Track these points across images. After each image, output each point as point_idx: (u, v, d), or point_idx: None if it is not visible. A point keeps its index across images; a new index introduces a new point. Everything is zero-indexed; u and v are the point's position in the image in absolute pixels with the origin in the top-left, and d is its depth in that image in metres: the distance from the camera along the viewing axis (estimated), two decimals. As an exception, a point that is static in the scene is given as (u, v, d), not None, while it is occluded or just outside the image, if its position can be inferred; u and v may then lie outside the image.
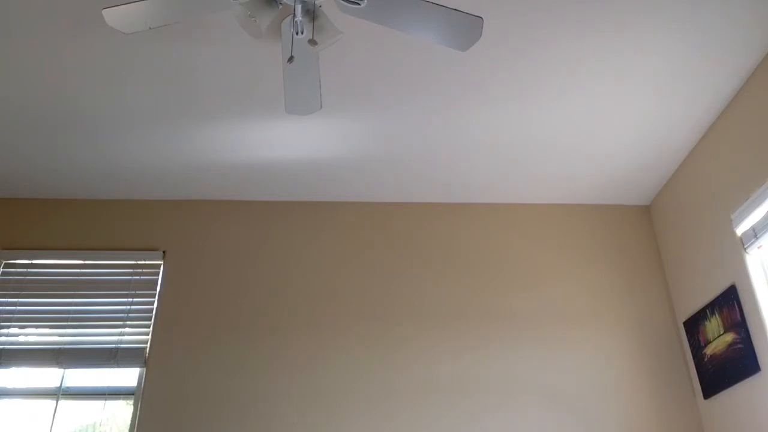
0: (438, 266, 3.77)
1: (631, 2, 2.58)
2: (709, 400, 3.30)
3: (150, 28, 2.23)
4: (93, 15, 2.58)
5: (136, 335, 3.51)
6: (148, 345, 3.48)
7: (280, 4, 2.15)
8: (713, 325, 3.23)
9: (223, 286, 3.66)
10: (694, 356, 3.41)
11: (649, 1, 2.57)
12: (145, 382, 3.37)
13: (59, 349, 3.45)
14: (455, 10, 2.15)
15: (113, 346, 3.47)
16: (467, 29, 2.21)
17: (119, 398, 3.39)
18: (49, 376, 3.42)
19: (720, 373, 3.16)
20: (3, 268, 3.66)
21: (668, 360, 3.54)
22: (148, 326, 3.53)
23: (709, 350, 3.26)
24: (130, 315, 3.56)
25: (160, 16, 2.17)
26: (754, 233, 2.93)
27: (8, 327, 3.50)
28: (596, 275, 3.78)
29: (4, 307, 3.54)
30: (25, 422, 3.31)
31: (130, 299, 3.60)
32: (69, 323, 3.52)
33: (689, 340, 3.47)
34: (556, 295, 3.70)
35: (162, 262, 3.72)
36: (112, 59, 2.82)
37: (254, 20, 2.10)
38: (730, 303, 3.09)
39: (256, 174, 3.68)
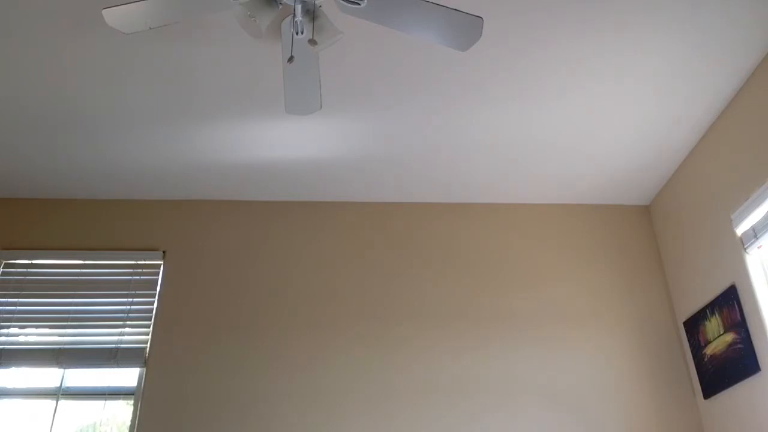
0: (438, 266, 3.77)
1: (631, 2, 2.58)
2: (709, 400, 3.30)
3: (150, 28, 2.23)
4: (93, 15, 2.58)
5: (136, 335, 3.51)
6: (148, 345, 3.48)
7: (280, 4, 2.15)
8: (713, 325, 3.23)
9: (223, 286, 3.66)
10: (694, 356, 3.41)
11: (649, 1, 2.57)
12: (145, 382, 3.37)
13: (59, 349, 3.45)
14: (455, 10, 2.15)
15: (113, 346, 3.47)
16: (467, 29, 2.21)
17: (119, 398, 3.39)
18: (49, 376, 3.42)
19: (720, 373, 3.16)
20: (3, 268, 3.66)
21: (668, 360, 3.54)
22: (148, 326, 3.53)
23: (709, 350, 3.26)
24: (130, 315, 3.56)
25: (160, 16, 2.17)
26: (754, 233, 2.93)
27: (8, 327, 3.50)
28: (596, 275, 3.78)
29: (4, 307, 3.54)
30: (25, 422, 3.31)
31: (130, 299, 3.60)
32: (69, 323, 3.52)
33: (689, 340, 3.47)
34: (556, 295, 3.70)
35: (162, 262, 3.72)
36: (112, 59, 2.82)
37: (254, 20, 2.10)
38: (730, 303, 3.09)
39: (256, 174, 3.68)
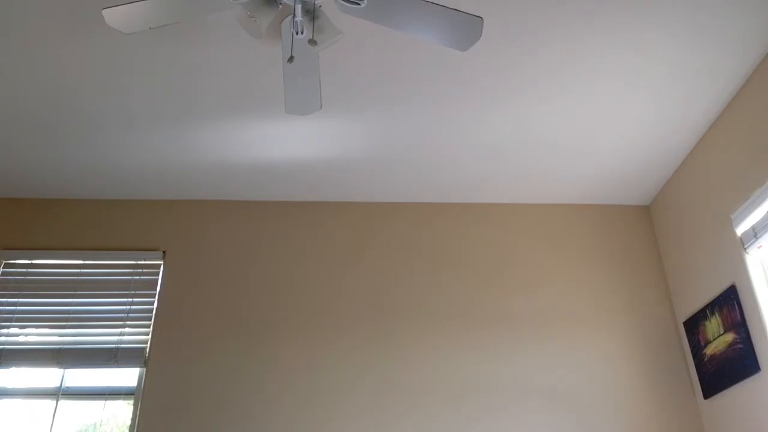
0: (438, 266, 3.77)
1: (632, 3, 2.58)
2: (709, 400, 3.30)
3: (150, 28, 2.22)
4: (93, 15, 2.58)
5: (136, 335, 3.51)
6: (148, 345, 3.48)
7: (280, 4, 2.15)
8: (713, 325, 3.23)
9: (223, 286, 3.66)
10: (694, 356, 3.41)
11: (649, 1, 2.57)
12: (145, 382, 3.37)
13: (59, 349, 3.45)
14: (455, 10, 2.15)
15: (113, 346, 3.47)
16: (467, 29, 2.21)
17: (119, 398, 3.39)
18: (49, 376, 3.42)
19: (720, 373, 3.16)
20: (3, 268, 3.66)
21: (668, 360, 3.54)
22: (148, 326, 3.53)
23: (709, 350, 3.26)
24: (130, 315, 3.56)
25: (160, 16, 2.17)
26: (754, 233, 2.93)
27: (8, 327, 3.50)
28: (596, 275, 3.78)
29: (4, 307, 3.54)
30: (25, 422, 3.31)
31: (130, 299, 3.60)
32: (69, 323, 3.52)
33: (689, 340, 3.47)
34: (556, 295, 3.70)
35: (162, 262, 3.72)
36: (112, 59, 2.82)
37: (254, 20, 2.10)
38: (730, 303, 3.09)
39: (256, 174, 3.68)
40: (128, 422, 3.32)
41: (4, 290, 3.59)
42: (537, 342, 3.55)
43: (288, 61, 2.15)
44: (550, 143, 3.44)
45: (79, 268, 3.68)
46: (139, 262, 3.71)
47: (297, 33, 2.15)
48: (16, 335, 3.49)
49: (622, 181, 3.80)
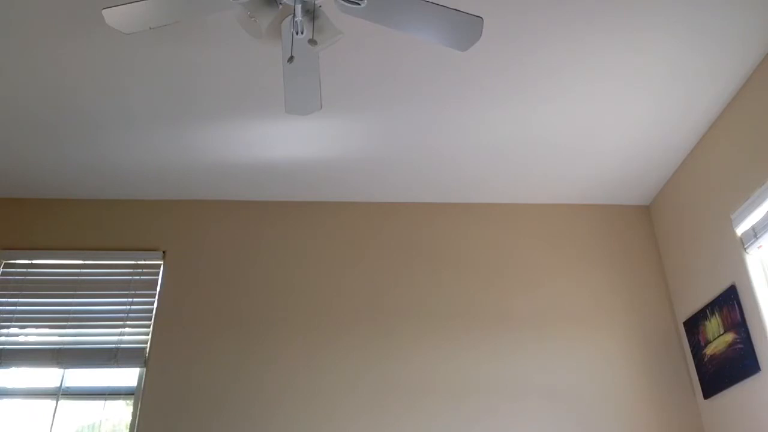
0: (438, 266, 3.77)
1: (632, 3, 2.58)
2: (709, 400, 3.30)
3: (150, 28, 2.23)
4: (93, 15, 2.58)
5: (136, 335, 3.51)
6: (148, 345, 3.48)
7: (280, 4, 2.15)
8: (713, 325, 3.23)
9: (223, 286, 3.66)
10: (694, 356, 3.41)
11: (649, 1, 2.57)
12: (145, 382, 3.37)
13: (59, 349, 3.45)
14: (455, 10, 2.15)
15: (113, 346, 3.47)
16: (467, 29, 2.21)
17: (119, 398, 3.39)
18: (49, 376, 3.42)
19: (720, 373, 3.16)
20: (3, 268, 3.66)
21: (668, 360, 3.54)
22: (148, 326, 3.53)
23: (709, 350, 3.26)
24: (130, 315, 3.56)
25: (160, 16, 2.17)
26: (754, 233, 2.93)
27: (8, 327, 3.50)
28: (596, 275, 3.78)
29: (4, 307, 3.54)
30: (25, 422, 3.31)
31: (130, 299, 3.60)
32: (69, 323, 3.52)
33: (689, 340, 3.47)
34: (556, 295, 3.70)
35: (162, 262, 3.72)
36: (112, 59, 2.82)
37: (254, 20, 2.10)
38: (730, 303, 3.09)
39: (256, 174, 3.68)
40: (128, 422, 3.31)
41: (4, 290, 3.59)
42: (537, 342, 3.55)
43: (288, 61, 2.15)
44: (550, 143, 3.44)
45: (79, 268, 3.68)
46: (139, 262, 3.71)
47: (297, 33, 2.15)
48: (16, 335, 3.49)
49: (622, 181, 3.80)
